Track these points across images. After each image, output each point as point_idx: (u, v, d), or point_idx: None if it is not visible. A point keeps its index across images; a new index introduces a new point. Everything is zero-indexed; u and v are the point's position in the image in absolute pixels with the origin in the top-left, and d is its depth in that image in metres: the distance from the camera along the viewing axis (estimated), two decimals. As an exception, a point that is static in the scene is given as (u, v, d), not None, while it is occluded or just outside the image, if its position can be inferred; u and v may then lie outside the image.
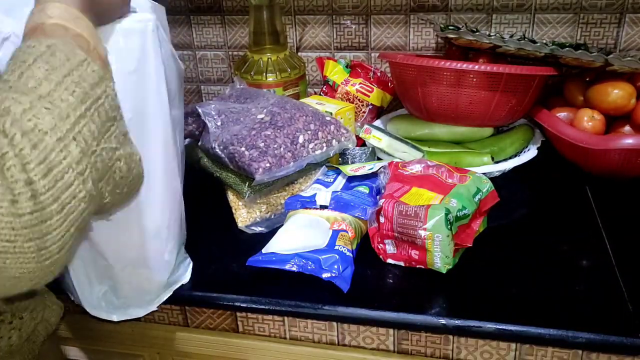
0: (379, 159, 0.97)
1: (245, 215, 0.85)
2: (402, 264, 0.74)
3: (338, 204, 0.77)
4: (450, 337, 0.68)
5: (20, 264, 0.39)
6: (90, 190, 0.42)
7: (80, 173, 0.41)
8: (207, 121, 0.89)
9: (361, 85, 1.07)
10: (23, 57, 0.43)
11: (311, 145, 0.85)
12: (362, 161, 0.94)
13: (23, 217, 0.37)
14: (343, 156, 0.95)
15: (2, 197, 0.37)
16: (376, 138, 0.94)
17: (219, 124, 0.89)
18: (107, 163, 0.45)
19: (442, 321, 0.66)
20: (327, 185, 0.83)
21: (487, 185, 0.79)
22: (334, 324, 0.72)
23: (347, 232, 0.74)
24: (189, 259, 0.77)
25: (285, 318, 0.73)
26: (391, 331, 0.70)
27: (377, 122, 1.08)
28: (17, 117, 0.39)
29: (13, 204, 0.37)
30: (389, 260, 0.75)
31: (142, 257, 0.68)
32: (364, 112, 1.08)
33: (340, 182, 0.84)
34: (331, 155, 0.89)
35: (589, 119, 0.89)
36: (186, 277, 0.75)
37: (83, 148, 0.42)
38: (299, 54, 1.18)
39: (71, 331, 0.83)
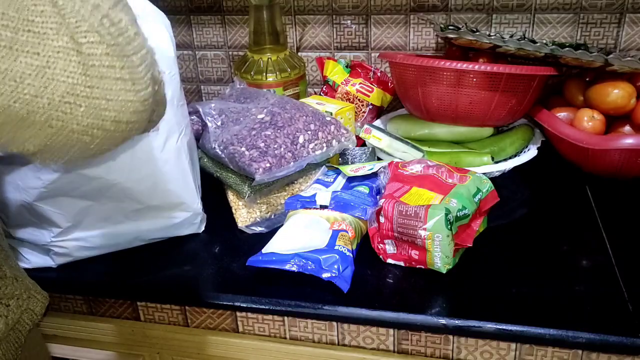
0: (379, 159, 0.97)
1: (245, 215, 0.85)
2: (402, 264, 0.74)
3: (338, 204, 0.77)
4: (450, 337, 0.69)
5: (121, 92, 0.40)
6: (151, 50, 0.43)
7: (137, 34, 0.42)
8: (207, 121, 0.89)
9: (361, 85, 1.07)
10: None
11: (311, 146, 0.85)
12: (362, 161, 0.94)
13: (111, 47, 0.39)
14: (343, 156, 0.95)
15: (90, 29, 0.38)
16: (376, 138, 0.94)
17: (219, 123, 0.89)
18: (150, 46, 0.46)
19: (442, 321, 0.66)
20: (327, 185, 0.83)
21: (487, 185, 0.79)
22: (334, 324, 0.72)
23: (347, 232, 0.74)
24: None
25: (285, 318, 0.73)
26: (391, 331, 0.70)
27: (377, 122, 1.08)
28: None
29: (101, 35, 0.39)
30: (389, 260, 0.75)
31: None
32: (364, 112, 1.08)
33: (340, 182, 0.84)
34: (331, 155, 0.89)
35: (589, 119, 0.89)
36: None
37: (131, 18, 0.43)
38: (299, 54, 1.18)
39: (71, 331, 0.83)
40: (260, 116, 0.86)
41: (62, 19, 0.39)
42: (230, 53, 1.22)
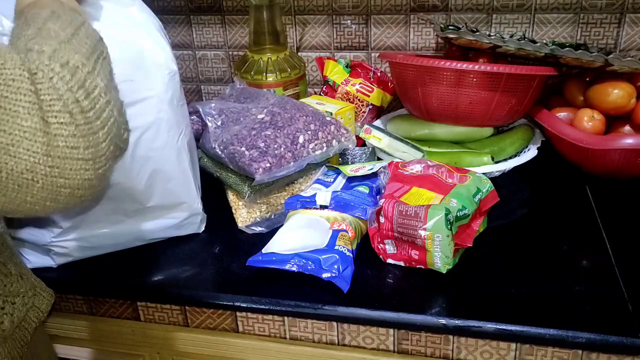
0: (379, 159, 0.97)
1: (246, 215, 0.85)
2: (402, 264, 0.74)
3: (338, 204, 0.77)
4: (450, 337, 0.69)
5: (80, 171, 0.42)
6: (117, 118, 0.46)
7: (108, 102, 0.45)
8: (207, 121, 0.89)
9: (361, 85, 1.07)
10: (33, 20, 0.46)
11: (311, 146, 0.85)
12: (362, 161, 0.94)
13: (80, 127, 0.41)
14: (343, 156, 0.95)
15: (62, 110, 0.40)
16: (376, 138, 0.94)
17: (219, 123, 0.89)
18: (117, 101, 0.48)
19: (442, 321, 0.66)
20: (327, 185, 0.83)
21: (487, 185, 0.79)
22: (334, 324, 0.72)
23: (347, 232, 0.74)
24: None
25: (285, 318, 0.73)
26: (391, 331, 0.70)
27: (377, 122, 1.08)
28: (51, 54, 0.42)
29: (71, 115, 0.41)
30: (389, 260, 0.75)
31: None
32: (364, 112, 1.08)
33: (340, 182, 0.84)
34: (331, 155, 0.89)
35: (589, 119, 0.89)
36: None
37: (106, 83, 0.45)
38: (299, 54, 1.18)
39: (71, 331, 0.83)
40: (260, 116, 0.86)
41: (36, 97, 0.40)
42: (230, 53, 1.22)
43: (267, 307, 0.71)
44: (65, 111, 0.41)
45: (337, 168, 0.87)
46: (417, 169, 0.81)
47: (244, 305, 0.71)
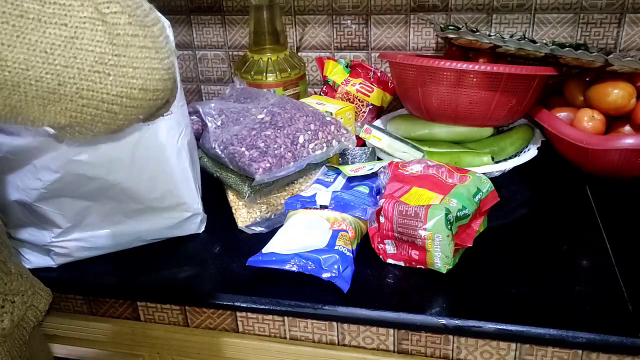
0: (379, 159, 0.97)
1: (246, 215, 0.85)
2: (402, 264, 0.74)
3: (338, 204, 0.77)
4: (450, 337, 0.69)
5: (146, 60, 0.41)
6: (163, 23, 0.44)
7: (152, 8, 0.44)
8: (207, 121, 0.89)
9: (361, 85, 1.07)
10: None
11: (311, 146, 0.85)
12: (362, 161, 0.94)
13: (133, 17, 0.40)
14: (343, 156, 0.95)
15: (112, 0, 0.40)
16: (376, 138, 0.94)
17: (219, 123, 0.89)
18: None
19: (442, 321, 0.66)
20: (327, 185, 0.83)
21: (487, 185, 0.79)
22: (334, 324, 0.72)
23: (347, 232, 0.74)
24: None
25: (285, 318, 0.73)
26: (391, 331, 0.70)
27: (377, 122, 1.08)
28: None
29: (122, 6, 0.40)
30: (389, 260, 0.75)
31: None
32: (364, 112, 1.08)
33: (340, 182, 0.84)
34: (331, 155, 0.89)
35: (589, 119, 0.89)
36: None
37: None
38: (299, 54, 1.18)
39: (71, 331, 0.83)
40: (260, 116, 0.86)
41: None
42: (230, 53, 1.22)
43: (267, 307, 0.71)
44: (115, 1, 0.40)
45: (337, 168, 0.87)
46: (417, 169, 0.81)
47: (244, 305, 0.71)
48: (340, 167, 0.85)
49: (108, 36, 0.40)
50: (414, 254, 0.72)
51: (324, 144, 0.87)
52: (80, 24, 0.39)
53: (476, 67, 0.88)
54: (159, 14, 0.44)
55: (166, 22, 0.75)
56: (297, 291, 0.71)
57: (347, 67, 1.10)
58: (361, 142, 1.01)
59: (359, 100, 1.07)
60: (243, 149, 0.82)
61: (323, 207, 0.78)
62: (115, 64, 0.40)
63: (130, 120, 0.44)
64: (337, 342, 0.73)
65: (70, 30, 0.39)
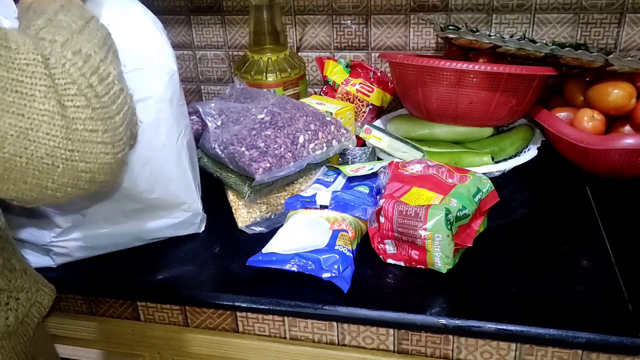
0: (379, 159, 0.97)
1: (246, 215, 0.85)
2: (402, 264, 0.74)
3: (338, 204, 0.77)
4: (450, 337, 0.69)
5: (100, 155, 0.42)
6: (131, 105, 0.46)
7: (122, 89, 0.45)
8: (207, 121, 0.89)
9: (361, 85, 1.07)
10: (42, 12, 0.46)
11: (311, 146, 0.85)
12: (362, 161, 0.94)
13: (97, 110, 0.41)
14: (343, 156, 0.95)
15: (77, 93, 0.40)
16: (376, 138, 0.94)
17: (219, 123, 0.89)
18: (127, 94, 0.48)
19: (442, 321, 0.66)
20: (327, 185, 0.83)
21: (487, 185, 0.79)
22: (334, 324, 0.72)
23: (347, 232, 0.74)
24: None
25: (285, 318, 0.73)
26: (391, 331, 0.70)
27: (377, 122, 1.08)
28: (63, 42, 0.42)
29: (87, 99, 0.41)
30: (389, 260, 0.75)
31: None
32: (364, 112, 1.08)
33: (340, 182, 0.84)
34: (331, 155, 0.89)
35: (589, 119, 0.89)
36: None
37: (118, 72, 0.45)
38: (299, 54, 1.18)
39: (71, 331, 0.83)
40: (260, 116, 0.86)
41: (51, 81, 0.40)
42: (230, 53, 1.22)
43: (267, 307, 0.71)
44: (81, 94, 0.41)
45: (337, 168, 0.87)
46: (417, 169, 0.81)
47: (244, 305, 0.71)
48: (340, 167, 0.85)
49: (65, 131, 0.40)
50: (414, 254, 0.72)
51: (324, 144, 0.87)
52: (38, 116, 0.39)
53: (476, 67, 0.88)
54: (127, 93, 0.45)
55: (159, 25, 0.76)
56: (297, 291, 0.71)
57: (347, 67, 1.10)
58: (361, 142, 1.01)
59: (359, 100, 1.07)
60: (243, 149, 0.82)
61: (323, 207, 0.78)
62: (67, 158, 0.41)
63: (70, 200, 0.45)
64: (337, 342, 0.73)
65: (27, 122, 0.39)
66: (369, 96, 1.07)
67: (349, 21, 1.13)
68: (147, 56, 0.72)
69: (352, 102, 1.06)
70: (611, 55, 0.87)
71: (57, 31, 0.43)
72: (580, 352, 0.65)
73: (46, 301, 0.64)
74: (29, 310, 0.60)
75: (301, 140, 0.85)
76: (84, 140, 0.41)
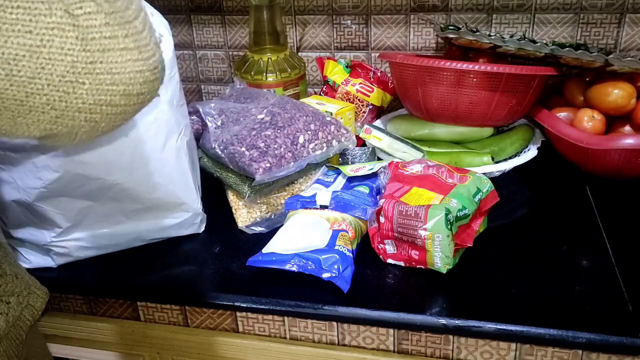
0: (379, 159, 0.97)
1: (246, 215, 0.85)
2: (402, 264, 0.74)
3: (338, 204, 0.77)
4: (450, 337, 0.69)
5: (128, 63, 0.37)
6: (145, 11, 0.40)
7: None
8: (207, 121, 0.89)
9: (361, 85, 1.07)
10: None
11: (311, 146, 0.85)
12: (362, 161, 0.94)
13: (111, 15, 0.36)
14: (343, 156, 0.95)
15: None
16: (376, 138, 0.94)
17: (219, 123, 0.89)
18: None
19: (442, 321, 0.66)
20: (327, 185, 0.83)
21: (487, 185, 0.79)
22: (334, 324, 0.72)
23: (347, 232, 0.74)
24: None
25: (285, 318, 0.73)
26: (391, 331, 0.70)
27: (377, 122, 1.08)
28: None
29: (97, 4, 0.36)
30: (389, 260, 0.75)
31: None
32: (364, 112, 1.08)
33: (340, 182, 0.84)
34: (331, 155, 0.89)
35: (589, 119, 0.89)
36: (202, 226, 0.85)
37: None
38: (299, 54, 1.18)
39: (71, 331, 0.83)
40: (260, 116, 0.86)
41: None
42: (230, 53, 1.22)
43: (267, 307, 0.71)
44: (90, 0, 0.36)
45: (337, 168, 0.87)
46: (417, 169, 0.81)
47: (244, 305, 0.71)
48: (340, 167, 0.85)
49: (81, 42, 0.36)
50: (414, 254, 0.72)
51: (324, 144, 0.87)
52: (47, 30, 0.35)
53: (476, 67, 0.88)
54: (141, 1, 0.40)
55: (164, 22, 0.75)
56: (297, 291, 0.71)
57: (347, 67, 1.10)
58: (361, 142, 1.01)
59: (359, 100, 1.07)
60: (243, 149, 0.82)
61: (323, 207, 0.78)
62: (90, 71, 0.37)
63: (114, 126, 0.40)
64: (337, 342, 0.73)
65: (36, 38, 0.35)
66: (369, 96, 1.07)
67: (349, 21, 1.13)
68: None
69: (352, 102, 1.06)
70: (611, 55, 0.87)
71: None
72: (580, 352, 0.65)
73: (39, 304, 0.63)
74: (20, 314, 0.60)
75: (301, 140, 0.85)
76: (104, 48, 0.36)
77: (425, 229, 0.69)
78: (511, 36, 1.02)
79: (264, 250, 0.74)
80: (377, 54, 1.14)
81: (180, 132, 0.77)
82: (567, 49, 0.89)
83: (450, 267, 0.71)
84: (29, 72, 0.35)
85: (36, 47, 0.35)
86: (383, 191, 0.78)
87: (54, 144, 0.40)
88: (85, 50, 0.36)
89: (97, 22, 0.36)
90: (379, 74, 1.08)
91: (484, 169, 0.91)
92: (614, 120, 0.92)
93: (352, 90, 1.07)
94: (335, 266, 0.69)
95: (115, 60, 0.37)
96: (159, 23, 0.74)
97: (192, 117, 0.94)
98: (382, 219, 0.73)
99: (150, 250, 0.81)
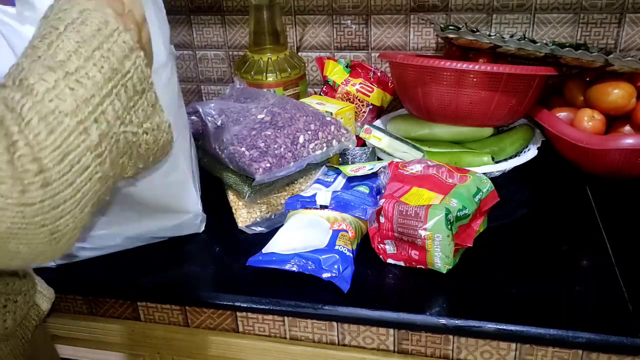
0: (379, 159, 0.97)
1: (246, 215, 0.85)
2: (402, 264, 0.74)
3: (338, 204, 0.77)
4: (450, 337, 0.69)
5: (35, 247, 0.39)
6: (107, 172, 0.42)
7: (99, 155, 0.41)
8: (207, 121, 0.89)
9: (361, 85, 1.07)
10: (54, 23, 0.43)
11: (311, 146, 0.85)
12: (363, 161, 0.94)
13: (34, 206, 0.37)
14: (343, 156, 0.95)
15: (11, 187, 0.36)
16: (376, 138, 0.94)
17: (219, 123, 0.89)
18: (130, 139, 0.44)
19: (442, 321, 0.66)
20: (327, 185, 0.83)
21: (487, 185, 0.79)
22: (334, 324, 0.72)
23: (347, 232, 0.74)
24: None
25: (285, 318, 0.73)
26: (391, 331, 0.70)
27: (377, 122, 1.08)
28: (38, 98, 0.38)
29: (23, 193, 0.36)
30: (389, 260, 0.75)
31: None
32: (364, 112, 1.08)
33: (341, 182, 0.84)
34: (331, 155, 0.89)
35: (589, 119, 0.89)
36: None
37: (104, 130, 0.41)
38: (299, 54, 1.18)
39: (71, 331, 0.83)
40: (260, 116, 0.86)
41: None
42: (230, 53, 1.22)
43: (267, 307, 0.71)
44: (15, 190, 0.36)
45: (337, 168, 0.87)
46: (417, 169, 0.81)
47: (244, 305, 0.71)
48: (340, 167, 0.85)
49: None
50: (414, 254, 0.72)
51: (324, 144, 0.87)
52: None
53: (476, 67, 0.88)
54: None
55: (160, 20, 0.75)
56: (297, 291, 0.71)
57: (347, 67, 1.10)
58: (361, 142, 1.01)
59: (359, 100, 1.07)
60: (243, 149, 0.82)
61: (323, 207, 0.78)
62: (27, 234, 0.39)
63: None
64: (337, 342, 0.73)
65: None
66: (369, 96, 1.07)
67: (349, 21, 1.13)
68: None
69: (352, 102, 1.06)
70: (611, 55, 0.87)
71: (45, 73, 0.39)
72: (580, 352, 0.65)
73: (45, 304, 0.64)
74: (27, 313, 0.60)
75: (301, 140, 0.85)
76: (31, 240, 0.38)
77: (425, 229, 0.69)
78: (511, 36, 1.02)
79: (264, 250, 0.74)
80: (377, 54, 1.14)
81: (179, 132, 0.77)
82: (567, 49, 0.89)
83: (450, 267, 0.71)
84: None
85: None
86: (383, 191, 0.78)
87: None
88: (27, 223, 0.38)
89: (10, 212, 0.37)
90: (379, 74, 1.08)
91: (484, 169, 0.91)
92: (614, 120, 0.92)
93: (352, 90, 1.07)
94: (335, 266, 0.69)
95: (28, 245, 0.39)
96: (153, 23, 0.74)
97: (192, 117, 0.94)
98: (382, 219, 0.73)
99: (150, 250, 0.81)
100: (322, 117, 0.89)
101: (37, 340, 0.63)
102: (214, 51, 1.23)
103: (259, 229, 0.84)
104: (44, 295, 0.64)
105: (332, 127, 0.88)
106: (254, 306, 0.71)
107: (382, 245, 0.75)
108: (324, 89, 1.10)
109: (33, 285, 0.63)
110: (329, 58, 1.12)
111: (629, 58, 0.87)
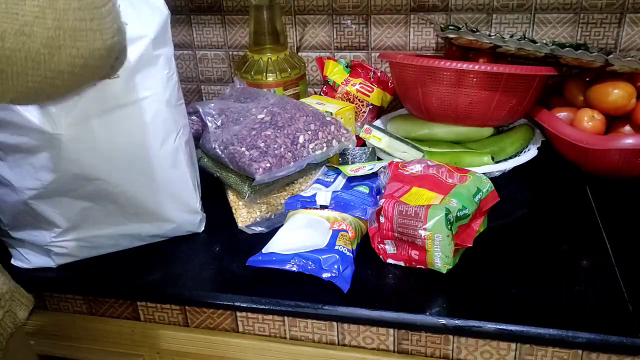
0: (379, 159, 0.97)
1: (246, 215, 0.85)
2: (402, 264, 0.74)
3: (338, 204, 0.77)
4: (450, 337, 0.69)
5: (90, 40, 0.44)
6: (113, 2, 0.46)
7: None
8: (207, 121, 0.89)
9: (361, 85, 1.07)
10: None
11: (311, 146, 0.85)
12: (362, 161, 0.94)
13: (83, 1, 0.42)
14: (343, 156, 0.95)
15: None
16: (376, 138, 0.94)
17: (219, 123, 0.89)
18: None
19: (442, 321, 0.66)
20: (327, 185, 0.83)
21: (487, 185, 0.79)
22: (334, 324, 0.72)
23: (347, 232, 0.74)
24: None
25: (285, 318, 0.73)
26: (391, 331, 0.70)
27: (377, 122, 1.08)
28: None
29: None
30: (389, 260, 0.75)
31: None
32: (364, 112, 1.08)
33: (340, 182, 0.84)
34: (331, 155, 0.89)
35: (589, 119, 0.89)
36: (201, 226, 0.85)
37: None
38: (299, 53, 1.18)
39: (71, 330, 0.83)
40: (260, 116, 0.86)
41: None
42: (230, 53, 1.22)
43: (267, 307, 0.71)
44: None
45: (337, 168, 0.87)
46: (417, 169, 0.81)
47: (244, 305, 0.71)
48: (340, 167, 0.85)
49: (57, 22, 0.42)
50: (414, 254, 0.72)
51: (324, 144, 0.87)
52: (31, 13, 0.41)
53: (476, 67, 0.88)
54: None
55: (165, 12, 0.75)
56: (297, 291, 0.71)
57: (347, 67, 1.10)
58: (361, 142, 1.01)
59: (359, 100, 1.07)
60: (243, 149, 0.82)
61: (323, 207, 0.78)
62: (60, 46, 0.43)
63: (71, 91, 0.47)
64: (337, 342, 0.73)
65: (21, 20, 0.40)
66: (369, 96, 1.07)
67: (349, 21, 1.13)
68: None
69: (352, 102, 1.06)
70: (611, 55, 0.87)
71: None
72: (580, 352, 0.65)
73: (22, 312, 0.63)
74: (1, 320, 0.59)
75: (301, 140, 0.85)
76: (74, 29, 0.43)
77: (425, 229, 0.69)
78: (511, 36, 1.02)
79: (264, 250, 0.74)
80: (377, 54, 1.14)
81: (178, 131, 0.77)
82: (567, 49, 0.89)
83: (450, 267, 0.71)
84: (12, 46, 0.41)
85: (21, 26, 0.41)
86: (383, 191, 0.78)
87: (19, 104, 0.48)
88: (59, 28, 0.42)
89: (71, 7, 0.42)
90: (379, 74, 1.08)
91: (484, 169, 0.91)
92: (614, 120, 0.92)
93: (352, 90, 1.07)
94: (335, 266, 0.69)
95: (82, 38, 0.44)
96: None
97: (192, 117, 0.94)
98: (382, 219, 0.73)
99: (150, 250, 0.81)
100: (322, 117, 0.89)
101: (15, 349, 0.62)
102: (214, 51, 1.23)
103: (259, 229, 0.84)
104: (22, 303, 0.63)
105: (332, 127, 0.88)
106: (254, 306, 0.71)
107: (382, 245, 0.75)
108: (324, 89, 1.10)
109: (9, 291, 0.61)
110: (329, 58, 1.12)
111: (629, 58, 0.87)
